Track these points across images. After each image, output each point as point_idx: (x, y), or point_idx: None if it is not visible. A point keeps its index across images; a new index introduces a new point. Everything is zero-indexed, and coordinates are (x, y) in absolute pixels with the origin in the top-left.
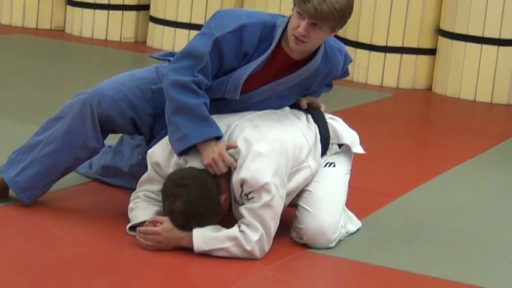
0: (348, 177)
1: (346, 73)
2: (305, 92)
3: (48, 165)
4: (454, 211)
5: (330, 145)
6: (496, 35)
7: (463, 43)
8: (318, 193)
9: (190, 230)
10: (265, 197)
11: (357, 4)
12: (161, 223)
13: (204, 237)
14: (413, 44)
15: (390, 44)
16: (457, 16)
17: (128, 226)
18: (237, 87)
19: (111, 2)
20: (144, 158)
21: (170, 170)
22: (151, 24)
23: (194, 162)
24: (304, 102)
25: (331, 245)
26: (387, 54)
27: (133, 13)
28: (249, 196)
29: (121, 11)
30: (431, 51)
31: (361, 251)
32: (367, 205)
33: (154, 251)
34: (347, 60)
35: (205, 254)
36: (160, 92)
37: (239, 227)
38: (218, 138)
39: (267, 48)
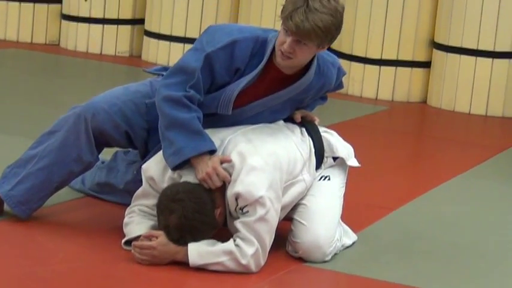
0: (343, 190)
1: (340, 85)
2: (298, 105)
3: (43, 179)
4: (450, 224)
5: (325, 158)
6: (490, 48)
7: (457, 56)
8: (313, 207)
9: (186, 244)
10: (260, 211)
11: (351, 17)
12: (156, 237)
13: (199, 251)
14: (408, 57)
15: (385, 57)
16: (452, 29)
17: (123, 241)
18: (229, 102)
19: (106, 17)
20: (139, 173)
21: (165, 184)
22: (146, 38)
23: (188, 177)
24: (298, 116)
25: (326, 259)
26: (382, 67)
27: (128, 27)
28: (244, 210)
29: (116, 25)
30: (426, 64)
31: (357, 264)
32: (363, 218)
33: (150, 266)
34: (340, 73)
35: (201, 268)
36: (154, 107)
37: (234, 241)
38: (212, 152)
39: (259, 63)
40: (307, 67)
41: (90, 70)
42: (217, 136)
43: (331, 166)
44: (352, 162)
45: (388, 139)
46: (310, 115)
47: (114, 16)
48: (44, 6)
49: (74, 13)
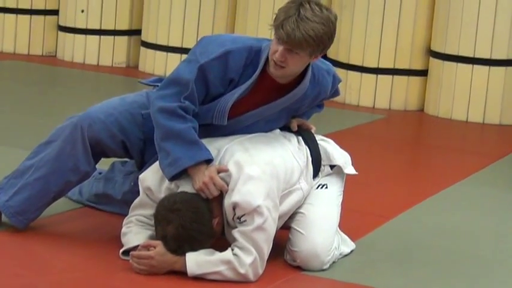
0: (340, 198)
1: (336, 93)
2: (294, 114)
3: (40, 189)
4: (448, 232)
5: (322, 167)
6: (487, 56)
7: (454, 64)
8: (310, 215)
9: (184, 254)
10: (258, 220)
11: (348, 26)
12: (154, 247)
13: (197, 261)
14: (404, 66)
15: (382, 65)
16: (448, 37)
17: (121, 251)
18: (223, 113)
19: (103, 28)
20: (136, 184)
21: (162, 194)
22: (142, 48)
23: (186, 187)
24: (294, 124)
25: (324, 267)
26: (379, 76)
27: (124, 38)
28: (242, 219)
29: (112, 36)
30: (423, 72)
31: (354, 272)
32: (361, 226)
33: (148, 276)
34: (335, 81)
35: (199, 278)
36: (150, 118)
37: (232, 250)
38: (209, 161)
39: (253, 73)
40: (302, 76)
41: (87, 81)
42: (214, 145)
43: (329, 174)
44: (350, 170)
45: (386, 147)
46: (307, 123)
47: (111, 27)
48: (41, 17)
49: (70, 24)
